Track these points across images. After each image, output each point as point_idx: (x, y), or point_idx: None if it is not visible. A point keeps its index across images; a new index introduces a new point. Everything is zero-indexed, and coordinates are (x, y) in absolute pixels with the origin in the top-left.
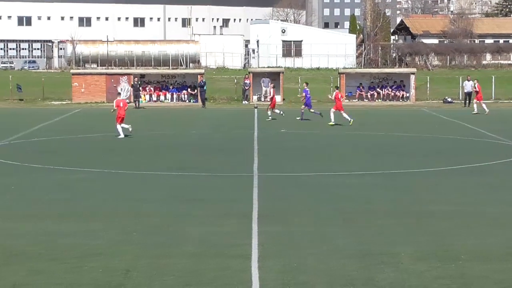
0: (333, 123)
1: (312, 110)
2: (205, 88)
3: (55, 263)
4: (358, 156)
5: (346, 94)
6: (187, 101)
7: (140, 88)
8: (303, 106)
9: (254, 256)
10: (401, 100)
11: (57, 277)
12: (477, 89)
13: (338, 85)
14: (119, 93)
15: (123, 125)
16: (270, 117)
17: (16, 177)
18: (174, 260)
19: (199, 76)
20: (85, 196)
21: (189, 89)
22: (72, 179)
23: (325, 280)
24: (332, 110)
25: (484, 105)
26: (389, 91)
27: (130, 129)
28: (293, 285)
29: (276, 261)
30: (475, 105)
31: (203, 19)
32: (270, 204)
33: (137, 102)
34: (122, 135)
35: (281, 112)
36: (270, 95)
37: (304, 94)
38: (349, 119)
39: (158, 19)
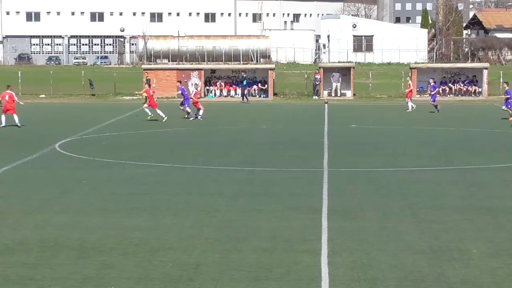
0: (152, 116)
1: (187, 108)
2: (244, 83)
3: (126, 257)
4: (428, 151)
5: (417, 89)
6: (257, 96)
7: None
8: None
9: (324, 252)
10: (473, 95)
11: (128, 271)
12: None
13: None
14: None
15: (3, 116)
16: (149, 116)
17: (88, 172)
18: (244, 254)
19: (242, 73)
20: (156, 191)
21: (259, 84)
22: (144, 174)
23: (395, 276)
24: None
25: None
26: (461, 86)
27: (18, 121)
28: (363, 280)
29: (346, 256)
30: None
31: (274, 14)
32: (340, 199)
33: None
34: (3, 124)
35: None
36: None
37: (181, 92)
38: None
39: (229, 14)
